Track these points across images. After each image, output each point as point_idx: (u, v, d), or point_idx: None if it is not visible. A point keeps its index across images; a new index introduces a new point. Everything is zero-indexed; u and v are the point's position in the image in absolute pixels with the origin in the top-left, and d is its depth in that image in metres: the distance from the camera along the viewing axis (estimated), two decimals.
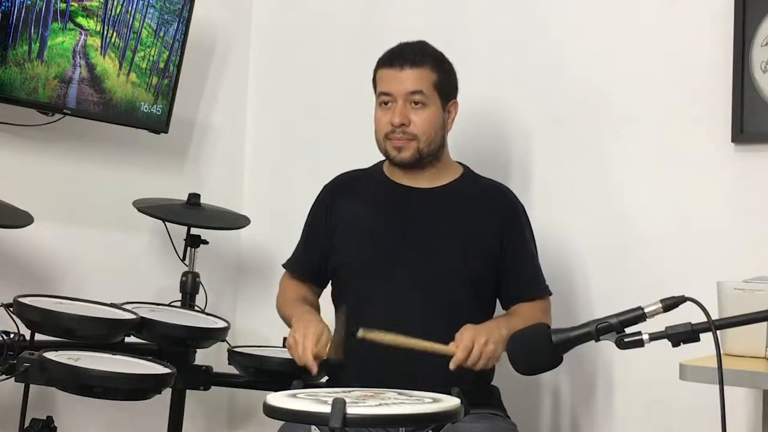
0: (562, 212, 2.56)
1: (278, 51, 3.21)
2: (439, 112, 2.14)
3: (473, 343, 1.89)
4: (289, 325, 2.11)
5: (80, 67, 2.54)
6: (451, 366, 1.88)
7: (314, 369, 1.92)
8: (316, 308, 2.21)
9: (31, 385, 1.96)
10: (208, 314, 2.54)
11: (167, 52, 2.75)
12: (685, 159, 2.40)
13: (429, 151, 2.13)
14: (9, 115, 2.47)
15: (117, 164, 2.81)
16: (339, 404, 1.33)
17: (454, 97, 2.19)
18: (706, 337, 1.34)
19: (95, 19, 2.55)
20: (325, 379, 2.24)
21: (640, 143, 2.47)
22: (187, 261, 2.67)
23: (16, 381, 1.96)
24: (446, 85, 2.16)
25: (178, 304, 2.58)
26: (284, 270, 2.34)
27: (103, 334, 2.16)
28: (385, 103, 2.14)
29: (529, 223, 2.23)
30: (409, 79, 2.11)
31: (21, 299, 2.08)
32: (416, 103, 2.11)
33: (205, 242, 2.70)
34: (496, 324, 2.03)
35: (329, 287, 2.27)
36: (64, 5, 2.47)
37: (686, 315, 1.36)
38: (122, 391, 2.01)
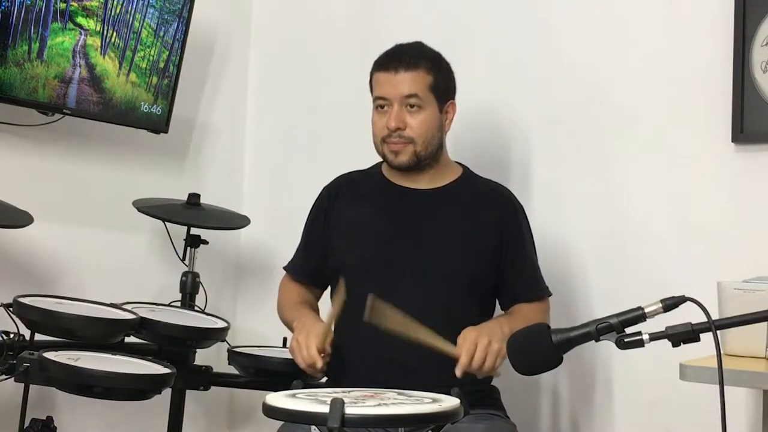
0: (562, 212, 2.56)
1: (278, 51, 3.21)
2: (436, 114, 2.13)
3: (476, 345, 1.88)
4: (291, 329, 2.11)
5: (80, 67, 2.54)
6: (458, 373, 1.86)
7: (319, 363, 1.93)
8: (316, 311, 2.21)
9: (31, 385, 1.96)
10: (208, 314, 2.54)
11: (167, 52, 2.75)
12: (685, 159, 2.40)
13: (426, 154, 2.12)
14: (9, 115, 2.47)
15: (117, 164, 2.81)
16: (337, 404, 1.33)
17: (452, 98, 2.18)
18: (706, 337, 1.34)
19: (95, 19, 2.55)
20: (325, 379, 2.24)
21: (640, 143, 2.47)
22: (187, 261, 2.67)
23: (16, 381, 1.96)
24: (443, 86, 2.14)
25: (178, 304, 2.58)
26: (285, 272, 2.34)
27: (102, 334, 2.16)
28: (381, 107, 2.12)
29: (529, 224, 2.22)
30: (403, 82, 2.09)
31: (21, 299, 2.08)
32: (412, 106, 2.09)
33: (205, 242, 2.70)
34: (498, 323, 2.03)
35: (329, 289, 2.26)
36: (63, 5, 2.47)
37: (686, 315, 1.36)
38: (122, 391, 2.01)
